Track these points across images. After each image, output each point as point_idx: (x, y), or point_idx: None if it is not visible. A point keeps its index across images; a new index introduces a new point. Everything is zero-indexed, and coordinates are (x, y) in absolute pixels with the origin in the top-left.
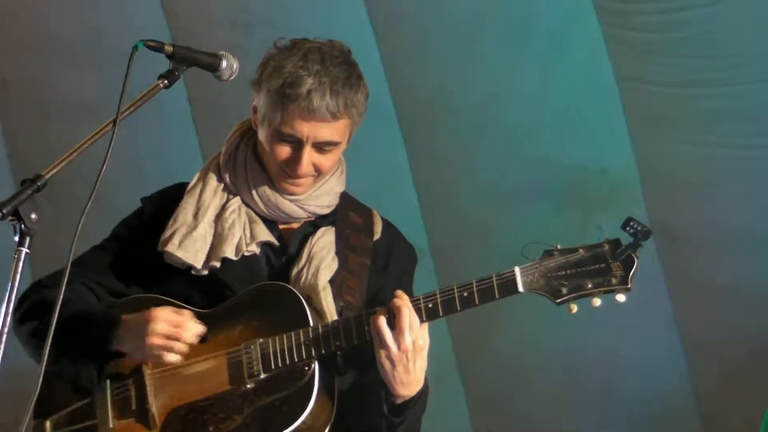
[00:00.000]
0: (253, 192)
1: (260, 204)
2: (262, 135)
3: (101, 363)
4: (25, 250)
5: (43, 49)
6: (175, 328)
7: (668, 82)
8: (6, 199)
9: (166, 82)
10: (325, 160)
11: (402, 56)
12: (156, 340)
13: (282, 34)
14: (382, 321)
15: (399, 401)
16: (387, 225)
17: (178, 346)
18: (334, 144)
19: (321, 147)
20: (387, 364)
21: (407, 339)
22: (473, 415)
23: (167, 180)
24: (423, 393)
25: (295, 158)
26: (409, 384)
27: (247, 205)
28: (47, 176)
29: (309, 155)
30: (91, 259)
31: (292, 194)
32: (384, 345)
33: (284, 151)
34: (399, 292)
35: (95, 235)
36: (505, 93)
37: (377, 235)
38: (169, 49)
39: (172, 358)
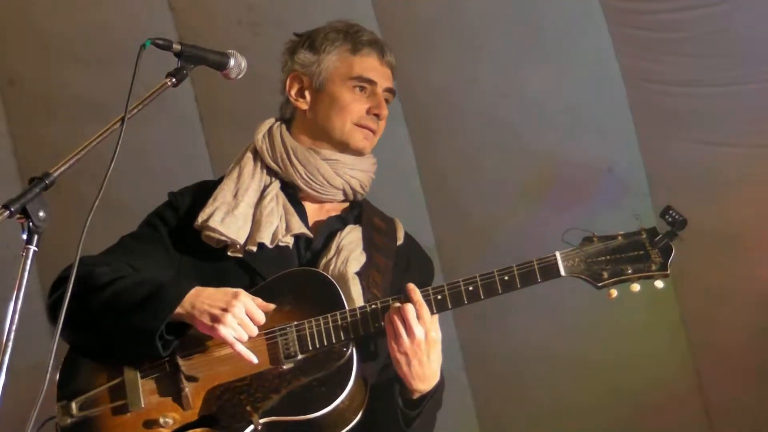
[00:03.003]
0: (293, 158)
1: (300, 169)
2: (325, 99)
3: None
4: (33, 248)
5: (50, 47)
6: (251, 319)
7: (675, 81)
8: (14, 198)
9: (173, 80)
10: (386, 113)
11: (409, 55)
12: (231, 318)
13: (288, 32)
14: (396, 317)
15: (416, 396)
16: (408, 235)
17: (244, 336)
18: (394, 94)
19: (386, 96)
20: (402, 359)
21: (419, 330)
22: (479, 411)
23: (174, 178)
24: (439, 388)
25: (376, 102)
26: (425, 378)
27: (283, 187)
28: (55, 174)
29: None
30: (123, 247)
31: (362, 151)
32: (396, 336)
33: (362, 99)
34: (411, 285)
35: (102, 233)
36: (512, 91)
37: (400, 241)
38: (177, 47)
39: (230, 336)
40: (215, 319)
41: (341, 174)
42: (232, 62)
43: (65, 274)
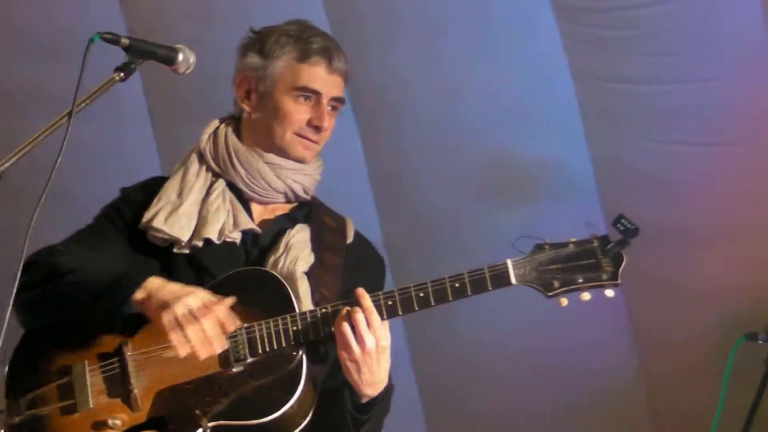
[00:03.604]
0: (234, 161)
1: (241, 171)
2: (270, 106)
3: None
4: None
5: None
6: (205, 307)
7: (624, 79)
8: None
9: (122, 75)
10: (332, 122)
11: (358, 51)
12: (180, 306)
13: (238, 27)
14: (346, 326)
15: (364, 400)
16: (359, 234)
17: (187, 327)
18: (342, 102)
19: (334, 105)
20: (352, 367)
21: (369, 340)
22: (427, 412)
23: (124, 172)
24: (388, 392)
25: (319, 113)
26: (374, 384)
27: (229, 185)
28: (1, 168)
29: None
30: (82, 236)
31: (302, 160)
32: (347, 347)
33: (304, 110)
34: (360, 291)
35: (51, 227)
36: (462, 88)
37: (350, 239)
38: (125, 42)
39: (168, 322)
40: (165, 305)
41: (283, 178)
42: (180, 57)
43: (28, 260)
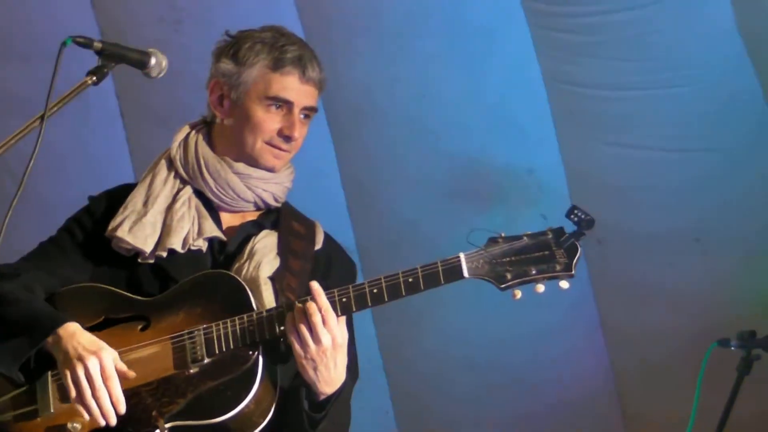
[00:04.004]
0: (204, 170)
1: (210, 181)
2: (241, 113)
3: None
4: None
5: None
6: (105, 380)
7: (595, 85)
8: None
9: (94, 78)
10: (304, 131)
11: (331, 54)
12: (81, 369)
13: (210, 30)
14: (301, 325)
15: (322, 398)
16: (328, 237)
17: (86, 392)
18: (315, 111)
19: (306, 113)
20: (309, 365)
21: (326, 338)
22: (398, 413)
23: (96, 175)
24: (344, 388)
25: (290, 123)
26: (331, 382)
27: (197, 193)
28: None
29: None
30: (42, 252)
31: (272, 169)
32: (303, 344)
33: (275, 119)
34: (315, 288)
35: (24, 230)
36: (434, 92)
37: (318, 245)
38: (97, 45)
39: (70, 383)
40: (68, 360)
41: (253, 188)
42: (152, 61)
43: None
